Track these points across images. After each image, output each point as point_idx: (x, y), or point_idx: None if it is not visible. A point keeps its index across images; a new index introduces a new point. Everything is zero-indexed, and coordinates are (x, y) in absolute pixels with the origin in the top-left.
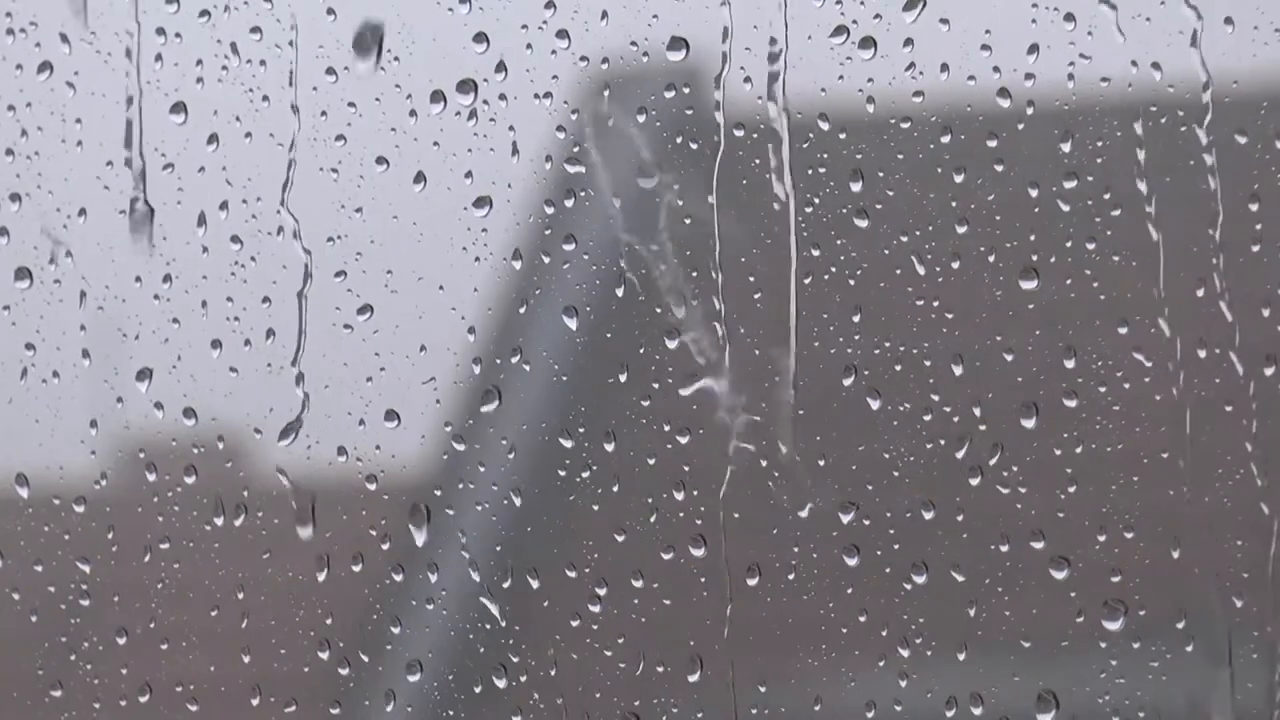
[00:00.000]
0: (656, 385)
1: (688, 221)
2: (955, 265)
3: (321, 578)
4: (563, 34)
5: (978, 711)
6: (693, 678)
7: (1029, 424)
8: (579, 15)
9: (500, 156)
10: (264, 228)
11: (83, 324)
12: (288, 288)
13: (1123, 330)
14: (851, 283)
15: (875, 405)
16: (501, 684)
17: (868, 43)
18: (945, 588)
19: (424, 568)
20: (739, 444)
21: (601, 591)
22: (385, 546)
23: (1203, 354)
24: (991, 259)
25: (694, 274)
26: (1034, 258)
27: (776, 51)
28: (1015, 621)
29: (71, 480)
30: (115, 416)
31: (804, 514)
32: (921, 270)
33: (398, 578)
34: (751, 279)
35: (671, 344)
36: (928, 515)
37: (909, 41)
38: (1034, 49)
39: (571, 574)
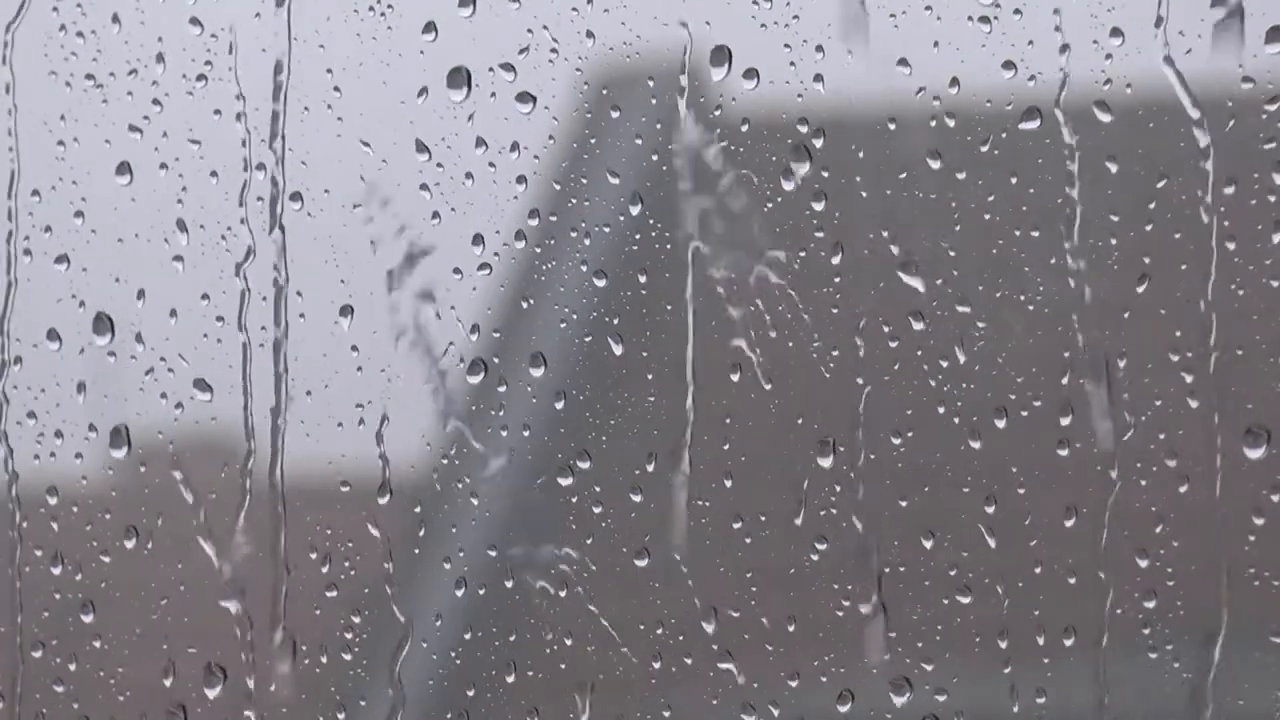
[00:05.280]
0: (657, 384)
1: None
2: (956, 267)
3: (322, 578)
4: (560, 35)
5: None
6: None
7: (1028, 425)
8: (580, 14)
9: (501, 156)
10: (264, 228)
11: (82, 325)
12: (289, 288)
13: (1123, 329)
14: (852, 288)
15: (878, 410)
16: (501, 683)
17: (868, 47)
18: (946, 588)
19: (423, 568)
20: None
21: (602, 592)
22: (385, 546)
23: (1204, 355)
24: (991, 258)
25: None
26: (1035, 259)
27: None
28: (1015, 622)
29: (72, 480)
30: (115, 417)
31: (799, 520)
32: (920, 270)
33: (398, 578)
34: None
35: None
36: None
37: (908, 45)
38: (1033, 50)
39: (571, 575)
